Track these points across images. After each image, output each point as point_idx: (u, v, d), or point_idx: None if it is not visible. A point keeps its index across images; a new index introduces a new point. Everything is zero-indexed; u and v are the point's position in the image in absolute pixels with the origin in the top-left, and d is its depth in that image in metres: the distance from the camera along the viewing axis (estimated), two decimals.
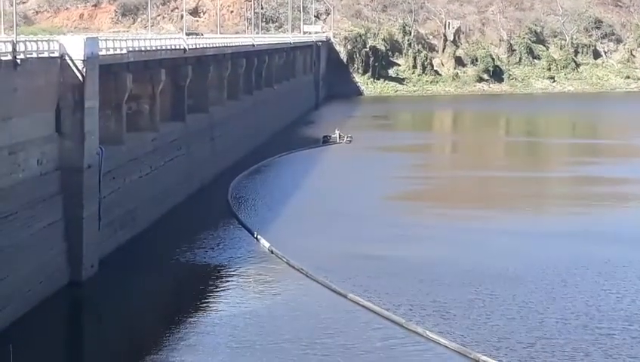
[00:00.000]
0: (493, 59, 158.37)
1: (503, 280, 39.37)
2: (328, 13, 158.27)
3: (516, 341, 31.87)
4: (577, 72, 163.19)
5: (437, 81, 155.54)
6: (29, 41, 37.56)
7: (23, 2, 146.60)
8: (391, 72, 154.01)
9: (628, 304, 36.26)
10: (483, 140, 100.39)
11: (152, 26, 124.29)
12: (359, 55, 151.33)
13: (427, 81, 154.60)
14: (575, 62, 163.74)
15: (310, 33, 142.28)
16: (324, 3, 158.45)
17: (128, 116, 51.32)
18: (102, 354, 32.34)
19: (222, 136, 72.47)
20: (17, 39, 35.80)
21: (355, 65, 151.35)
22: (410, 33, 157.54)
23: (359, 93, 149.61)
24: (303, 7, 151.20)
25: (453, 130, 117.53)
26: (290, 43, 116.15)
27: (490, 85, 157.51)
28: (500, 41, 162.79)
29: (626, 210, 58.10)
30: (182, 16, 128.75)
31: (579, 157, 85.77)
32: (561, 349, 31.03)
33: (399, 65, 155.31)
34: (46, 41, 38.93)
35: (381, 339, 32.49)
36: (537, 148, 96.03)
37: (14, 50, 35.18)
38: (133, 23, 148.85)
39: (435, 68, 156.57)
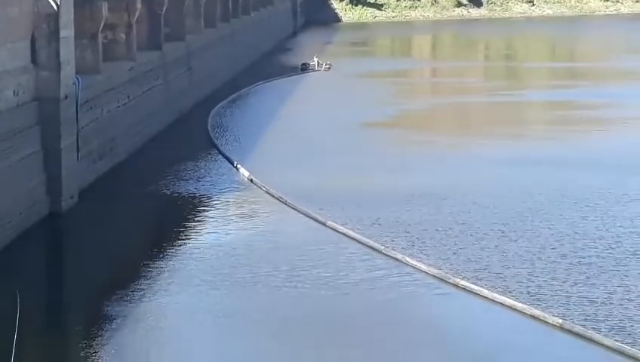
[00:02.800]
0: None
1: (481, 208, 39.51)
2: None
3: (494, 267, 32.08)
4: None
5: (415, 7, 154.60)
6: None
7: None
8: None
9: (607, 229, 36.36)
10: (462, 65, 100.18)
11: None
12: None
13: (406, 6, 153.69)
14: None
15: None
16: None
17: (104, 45, 50.88)
18: (82, 282, 32.53)
19: (200, 65, 72.06)
20: None
21: None
22: None
23: (337, 19, 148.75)
24: None
25: (432, 56, 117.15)
26: None
27: (469, 10, 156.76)
28: None
29: (606, 133, 58.26)
30: None
31: (558, 81, 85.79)
32: (540, 275, 31.20)
33: None
34: None
35: (360, 266, 32.59)
36: (517, 73, 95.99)
37: None
38: None
39: None
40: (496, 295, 29.29)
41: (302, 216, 39.17)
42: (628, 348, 25.06)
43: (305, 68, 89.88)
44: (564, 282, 30.49)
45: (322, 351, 25.77)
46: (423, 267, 32.07)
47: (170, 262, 33.47)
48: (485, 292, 29.60)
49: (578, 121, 64.07)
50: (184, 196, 42.91)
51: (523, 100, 75.87)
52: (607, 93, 76.23)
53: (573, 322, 26.95)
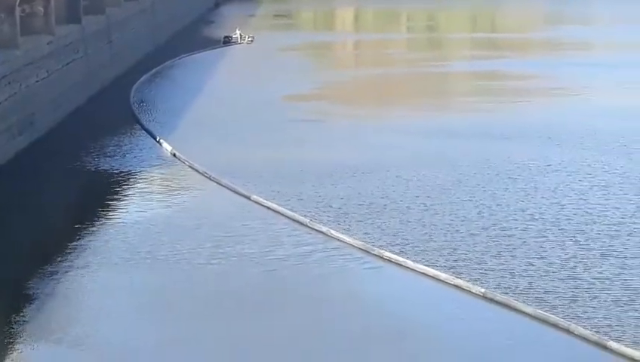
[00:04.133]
0: None
1: (405, 181, 39.87)
2: None
3: (418, 239, 32.49)
4: None
5: None
6: None
7: None
8: None
9: (530, 200, 36.96)
10: (385, 38, 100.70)
11: None
12: None
13: None
14: None
15: None
16: None
17: (22, 19, 50.13)
18: None
19: (120, 38, 71.43)
20: None
21: None
22: None
23: None
24: None
25: (355, 28, 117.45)
26: None
27: None
28: None
29: (530, 105, 59.10)
30: None
31: (482, 52, 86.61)
32: (463, 247, 31.70)
33: None
34: None
35: (286, 241, 32.74)
36: (440, 44, 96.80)
37: None
38: None
39: None
40: (420, 266, 29.78)
41: (226, 190, 39.22)
42: (549, 316, 25.73)
43: (227, 41, 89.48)
44: (486, 253, 31.04)
45: (246, 329, 25.66)
46: (348, 240, 32.41)
47: (91, 240, 33.19)
48: (410, 263, 30.08)
49: (502, 92, 64.98)
50: (106, 172, 42.66)
51: (447, 71, 76.55)
52: (530, 63, 77.27)
53: (495, 291, 27.57)
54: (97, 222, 35.32)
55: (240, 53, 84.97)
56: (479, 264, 30.02)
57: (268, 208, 36.44)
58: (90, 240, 33.15)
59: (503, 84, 68.33)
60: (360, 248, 31.73)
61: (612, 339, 24.16)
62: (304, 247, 32.05)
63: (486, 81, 70.38)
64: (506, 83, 68.82)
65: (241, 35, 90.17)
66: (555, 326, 25.32)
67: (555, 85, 66.72)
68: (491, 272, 29.24)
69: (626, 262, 29.91)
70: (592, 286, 28.02)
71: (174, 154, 45.06)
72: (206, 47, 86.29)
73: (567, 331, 25.00)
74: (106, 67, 65.67)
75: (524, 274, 29.08)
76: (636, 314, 25.88)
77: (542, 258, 30.46)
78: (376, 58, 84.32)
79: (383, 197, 37.43)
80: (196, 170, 42.20)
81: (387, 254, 30.92)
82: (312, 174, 41.16)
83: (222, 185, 39.81)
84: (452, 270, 29.37)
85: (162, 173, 42.52)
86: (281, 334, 25.33)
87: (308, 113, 56.28)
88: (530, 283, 28.29)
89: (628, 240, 32.07)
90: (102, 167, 43.33)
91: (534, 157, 43.62)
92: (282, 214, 35.56)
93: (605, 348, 23.95)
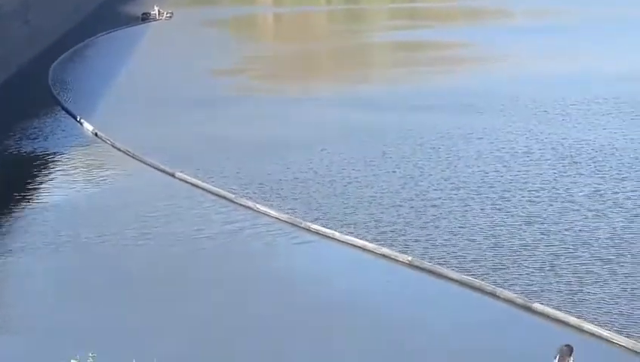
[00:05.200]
0: None
1: (330, 154, 40.21)
2: None
3: (345, 211, 32.96)
4: None
5: None
6: None
7: None
8: None
9: (453, 169, 37.57)
10: (305, 10, 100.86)
11: None
12: None
13: None
14: None
15: None
16: None
17: None
18: None
19: (37, 18, 70.59)
20: None
21: None
22: None
23: None
24: None
25: (274, 2, 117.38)
26: None
27: None
28: None
29: (453, 74, 59.83)
30: None
31: (404, 22, 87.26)
32: (387, 218, 32.20)
33: None
34: None
35: (215, 217, 32.99)
36: (361, 15, 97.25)
37: None
38: None
39: None
40: (347, 237, 30.32)
41: (150, 168, 39.26)
42: (475, 281, 26.46)
43: (146, 17, 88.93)
44: (411, 223, 31.59)
45: (175, 310, 25.68)
46: (275, 214, 32.80)
47: (12, 224, 33.00)
48: (337, 235, 30.60)
49: (425, 61, 65.72)
50: (26, 154, 42.35)
51: (369, 43, 77.09)
52: (452, 32, 78.18)
53: (421, 259, 28.23)
54: (19, 206, 35.09)
55: (159, 29, 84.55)
56: (405, 234, 30.61)
57: (193, 185, 36.60)
58: (11, 225, 32.95)
59: (426, 54, 69.11)
60: (287, 222, 32.13)
61: (537, 301, 24.95)
62: (232, 224, 32.29)
63: (409, 52, 71.11)
64: (429, 53, 69.63)
65: (159, 11, 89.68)
66: (481, 290, 26.07)
67: (477, 53, 67.69)
68: (417, 242, 29.87)
69: (548, 228, 30.69)
70: (515, 252, 28.75)
71: (96, 134, 44.92)
72: (124, 25, 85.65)
73: (493, 295, 25.76)
74: (23, 47, 64.91)
75: (448, 242, 29.76)
76: (558, 279, 26.67)
77: (466, 226, 31.09)
78: (298, 31, 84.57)
79: (308, 172, 37.79)
80: (119, 149, 42.15)
81: (314, 227, 31.38)
82: (237, 150, 41.37)
83: (145, 163, 39.85)
84: (378, 240, 29.94)
85: (84, 154, 42.36)
86: (211, 312, 25.57)
87: (231, 89, 56.39)
88: (455, 251, 28.96)
89: (550, 206, 32.86)
90: (22, 149, 43.02)
91: (457, 126, 44.28)
92: (208, 191, 35.76)
93: (530, 309, 24.73)
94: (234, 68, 64.34)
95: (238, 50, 72.91)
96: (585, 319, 23.87)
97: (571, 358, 19.50)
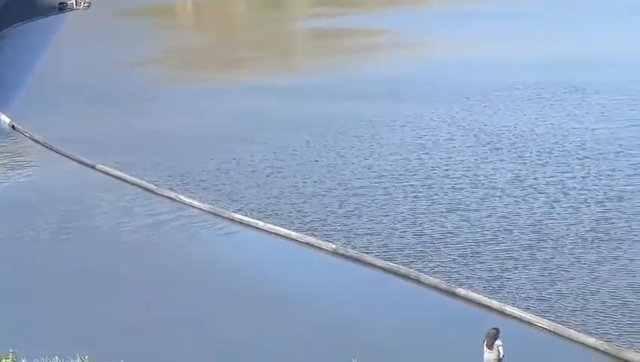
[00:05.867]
0: None
1: (253, 145, 40.38)
2: None
3: (268, 201, 33.15)
4: None
5: None
6: None
7: None
8: None
9: (377, 158, 37.93)
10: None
11: None
12: None
13: None
14: None
15: None
16: None
17: None
18: None
19: None
20: None
21: None
22: None
23: None
24: None
25: None
26: None
27: None
28: None
29: (376, 61, 60.20)
30: None
31: (324, 9, 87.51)
32: (311, 208, 32.46)
33: None
34: None
35: (137, 210, 32.98)
36: (281, 3, 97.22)
37: None
38: None
39: None
40: (271, 226, 30.55)
41: (70, 161, 39.02)
42: (400, 267, 26.87)
43: (63, 7, 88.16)
44: (335, 212, 31.90)
45: (97, 306, 25.58)
46: (198, 205, 32.88)
47: None
48: (260, 224, 30.80)
49: (347, 49, 66.11)
50: None
51: (290, 31, 77.27)
52: (374, 19, 78.58)
53: (346, 247, 28.57)
54: None
55: (77, 19, 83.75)
56: (328, 223, 30.88)
57: (114, 177, 36.47)
58: None
59: (348, 42, 69.50)
60: (211, 212, 32.23)
61: (460, 286, 25.44)
62: (156, 217, 32.31)
63: (331, 40, 71.44)
64: (351, 40, 70.02)
65: (76, 1, 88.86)
66: (406, 276, 26.48)
67: (399, 40, 68.30)
68: (341, 230, 30.15)
69: (471, 214, 31.20)
70: (439, 239, 29.18)
71: (13, 127, 44.46)
72: (41, 15, 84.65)
73: (418, 281, 26.19)
74: None
75: (372, 230, 30.10)
76: (481, 265, 27.16)
77: (389, 214, 31.46)
78: (218, 19, 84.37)
79: (230, 162, 37.91)
80: (37, 142, 41.79)
81: (238, 216, 31.55)
82: (158, 141, 41.32)
83: (65, 155, 39.58)
84: (302, 229, 30.20)
85: (1, 147, 41.90)
86: (136, 305, 25.57)
87: (151, 79, 56.20)
88: (379, 239, 29.29)
89: (472, 192, 33.37)
90: None
91: (380, 114, 44.72)
92: (130, 182, 35.67)
93: (454, 294, 25.21)
94: (153, 58, 64.05)
95: (156, 40, 72.55)
96: (507, 303, 24.38)
97: (498, 341, 20.06)
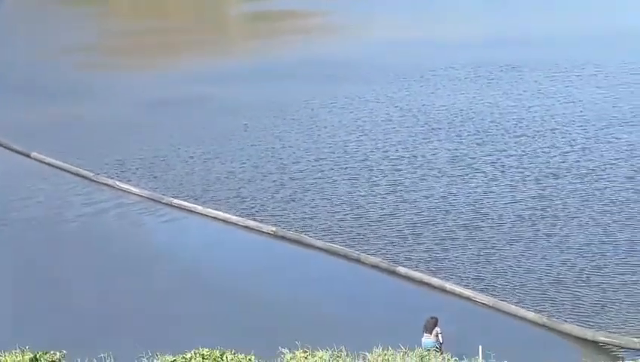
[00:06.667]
0: None
1: (187, 131, 40.57)
2: None
3: (202, 189, 33.37)
4: None
5: None
6: None
7: None
8: None
9: (314, 140, 38.29)
10: None
11: None
12: None
13: None
14: None
15: None
16: None
17: None
18: None
19: None
20: None
21: None
22: None
23: None
24: None
25: None
26: None
27: None
28: None
29: (310, 43, 60.44)
30: None
31: None
32: (249, 192, 32.85)
33: None
34: None
35: (75, 199, 33.11)
36: None
37: None
38: None
39: None
40: (210, 210, 30.88)
41: (3, 149, 38.80)
42: (340, 248, 27.43)
43: None
44: (274, 196, 32.33)
45: (34, 299, 25.59)
46: (136, 191, 33.07)
47: None
48: (200, 208, 31.13)
49: (283, 31, 66.18)
50: None
51: (226, 14, 77.18)
52: (310, 1, 78.56)
53: (285, 230, 29.01)
54: None
55: (10, 6, 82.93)
56: (268, 206, 31.31)
57: (50, 165, 36.40)
58: None
59: (284, 24, 69.63)
60: (149, 198, 32.45)
61: (400, 265, 25.99)
62: (94, 205, 32.45)
63: (267, 22, 71.52)
64: (287, 23, 70.14)
65: None
66: (346, 257, 27.03)
67: (335, 22, 68.57)
68: (281, 214, 30.57)
69: (409, 195, 31.79)
70: (379, 220, 29.73)
71: None
72: None
73: (358, 261, 26.72)
74: None
75: (313, 213, 30.59)
76: (421, 244, 27.77)
77: (329, 197, 31.96)
78: (151, 4, 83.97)
79: (165, 149, 38.00)
80: None
81: (176, 202, 31.82)
82: (92, 129, 41.25)
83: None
84: (242, 213, 30.55)
85: None
86: (79, 297, 25.60)
87: (83, 66, 55.88)
88: (319, 222, 29.76)
89: (412, 173, 33.94)
90: None
91: (318, 96, 45.07)
92: (66, 170, 35.65)
93: (394, 273, 25.75)
94: (86, 45, 63.64)
95: (88, 26, 72.07)
96: (447, 280, 24.98)
97: (437, 328, 20.60)
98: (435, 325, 20.68)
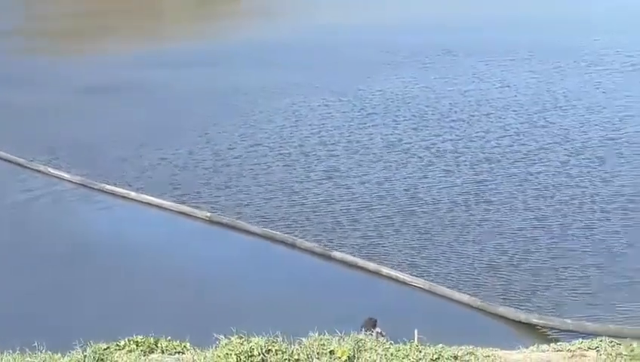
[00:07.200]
0: None
1: (121, 116, 40.45)
2: None
3: (135, 176, 33.29)
4: None
5: None
6: None
7: None
8: None
9: (251, 128, 38.20)
10: None
11: None
12: None
13: None
14: None
15: None
16: None
17: None
18: None
19: None
20: None
21: None
22: None
23: None
24: None
25: None
26: None
27: None
28: None
29: (245, 27, 60.24)
30: None
31: None
32: (178, 178, 32.87)
33: None
34: None
35: (6, 185, 32.85)
36: None
37: None
38: None
39: None
40: (144, 196, 30.88)
41: None
42: (276, 233, 27.61)
43: None
44: (209, 182, 32.36)
45: None
46: (67, 177, 32.90)
47: None
48: (133, 194, 31.12)
49: (218, 15, 65.87)
50: None
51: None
52: None
53: (221, 215, 29.08)
54: None
55: None
56: (203, 193, 31.36)
57: None
58: None
59: (218, 8, 69.35)
60: (82, 185, 32.28)
61: (335, 250, 26.21)
62: (27, 192, 32.22)
63: (201, 6, 71.19)
64: (220, 7, 69.88)
65: None
66: (282, 242, 27.23)
67: (270, 6, 68.46)
68: (216, 201, 30.65)
69: (345, 181, 31.99)
70: (315, 206, 29.92)
71: None
72: None
73: (294, 246, 26.92)
74: None
75: (249, 199, 30.71)
76: (357, 230, 28.00)
77: (266, 183, 32.03)
78: None
79: (99, 135, 37.77)
80: None
81: (109, 188, 31.74)
82: (22, 115, 40.84)
83: None
84: (176, 199, 30.56)
85: None
86: (12, 287, 25.48)
87: (12, 51, 55.24)
88: (255, 208, 29.88)
89: (349, 158, 34.15)
90: None
91: (253, 81, 45.06)
92: (2, 158, 35.30)
93: (330, 258, 25.96)
94: (15, 28, 62.94)
95: (18, 9, 71.19)
96: (383, 264, 25.21)
97: (377, 328, 20.59)
98: (374, 326, 20.56)
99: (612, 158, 32.96)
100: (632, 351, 15.13)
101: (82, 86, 45.68)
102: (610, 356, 15.19)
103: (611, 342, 15.50)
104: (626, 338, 17.05)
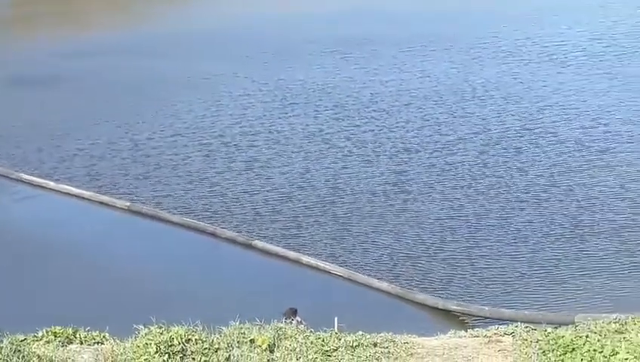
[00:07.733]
0: None
1: (40, 103, 40.05)
2: None
3: (55, 163, 33.16)
4: None
5: None
6: None
7: None
8: None
9: (172, 118, 38.10)
10: None
11: None
12: None
13: None
14: None
15: None
16: None
17: None
18: None
19: None
20: None
21: None
22: None
23: None
24: None
25: None
26: None
27: None
28: None
29: (171, 16, 59.78)
30: None
31: None
32: (97, 168, 32.70)
33: None
34: None
35: None
36: None
37: None
38: None
39: None
40: (63, 186, 30.74)
41: None
42: (197, 222, 27.67)
43: None
44: (131, 171, 32.22)
45: None
46: (27, 178, 32.06)
47: None
48: (52, 184, 30.97)
49: (147, 3, 65.16)
50: None
51: None
52: None
53: (142, 205, 29.06)
54: None
55: None
56: (122, 183, 31.24)
57: None
58: None
59: None
60: (33, 183, 31.76)
61: (256, 239, 26.38)
62: None
63: None
64: None
65: None
66: (202, 231, 27.35)
67: None
68: (135, 191, 30.53)
69: (266, 171, 32.05)
70: (237, 196, 29.95)
71: None
72: None
73: (214, 235, 27.04)
74: None
75: (169, 188, 30.70)
76: (278, 220, 28.13)
77: (186, 173, 31.95)
78: None
79: (18, 126, 37.20)
80: None
81: (27, 178, 31.49)
82: None
83: None
84: (96, 190, 30.40)
85: None
86: None
87: None
88: (175, 199, 29.87)
89: (269, 149, 34.16)
90: None
91: (173, 72, 44.82)
92: None
93: (251, 247, 26.19)
94: None
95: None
96: (304, 253, 25.42)
97: (297, 317, 20.69)
98: (295, 314, 20.69)
99: (528, 149, 33.50)
100: (547, 336, 15.56)
101: (1, 76, 45.09)
102: (525, 341, 15.58)
103: (526, 327, 15.92)
104: (540, 323, 17.41)
